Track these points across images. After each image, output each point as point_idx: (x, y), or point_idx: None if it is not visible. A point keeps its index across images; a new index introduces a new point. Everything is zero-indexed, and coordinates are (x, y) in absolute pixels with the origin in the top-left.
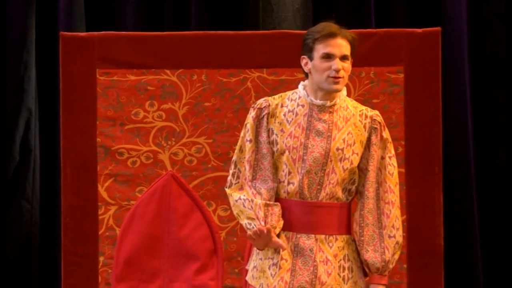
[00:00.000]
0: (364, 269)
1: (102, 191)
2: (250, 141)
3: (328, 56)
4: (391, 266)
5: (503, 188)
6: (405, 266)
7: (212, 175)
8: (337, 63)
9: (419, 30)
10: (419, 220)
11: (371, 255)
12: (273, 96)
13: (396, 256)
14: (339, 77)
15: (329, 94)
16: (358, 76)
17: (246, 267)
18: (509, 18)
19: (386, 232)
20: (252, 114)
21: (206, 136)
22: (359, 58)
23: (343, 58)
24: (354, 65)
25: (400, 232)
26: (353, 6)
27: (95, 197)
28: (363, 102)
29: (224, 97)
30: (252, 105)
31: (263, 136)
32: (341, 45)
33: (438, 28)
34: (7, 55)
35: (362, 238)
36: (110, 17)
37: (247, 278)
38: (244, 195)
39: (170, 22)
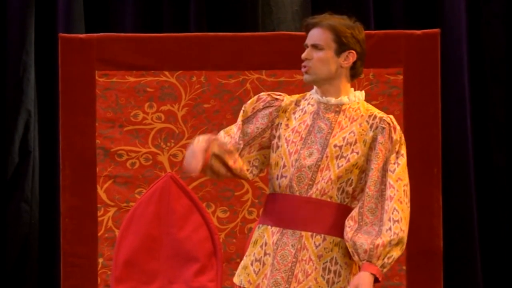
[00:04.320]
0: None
1: (101, 192)
2: (244, 113)
3: (306, 47)
4: (385, 261)
5: (502, 189)
6: (404, 267)
7: None
8: (305, 53)
9: (418, 32)
10: (418, 221)
11: (361, 237)
12: (292, 95)
13: (393, 253)
14: (304, 66)
15: (327, 89)
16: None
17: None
18: (508, 19)
19: (385, 228)
20: (262, 96)
21: None
22: None
23: (314, 47)
24: None
25: (402, 226)
26: (352, 7)
27: (94, 198)
28: None
29: (223, 98)
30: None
31: (253, 122)
32: (313, 35)
33: (437, 30)
34: (6, 56)
35: (357, 232)
36: (109, 18)
37: (234, 280)
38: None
39: (169, 24)
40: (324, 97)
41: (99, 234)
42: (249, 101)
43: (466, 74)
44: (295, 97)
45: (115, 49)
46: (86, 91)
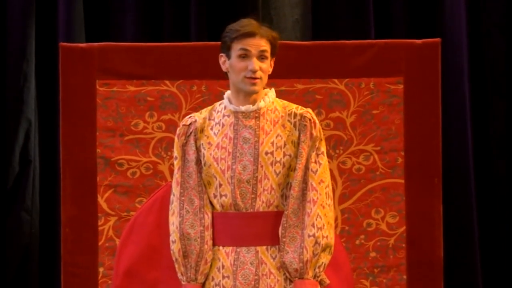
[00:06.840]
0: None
1: (101, 202)
2: (176, 158)
3: (245, 56)
4: (316, 271)
5: (503, 199)
6: (404, 277)
7: None
8: (254, 63)
9: (419, 41)
10: (418, 231)
11: (289, 256)
12: (200, 111)
13: (322, 260)
14: (256, 78)
15: (250, 96)
16: (357, 87)
17: None
18: (508, 28)
19: (306, 232)
20: (177, 131)
21: None
22: (358, 69)
23: (261, 58)
24: (353, 76)
25: (325, 232)
26: (353, 17)
27: (95, 208)
28: (362, 113)
29: None
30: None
31: (190, 154)
32: (259, 45)
33: (438, 39)
34: (7, 65)
35: (284, 240)
36: (109, 28)
37: None
38: (172, 225)
39: (169, 33)
40: (241, 106)
41: (99, 244)
42: (174, 146)
43: (466, 83)
44: (205, 112)
45: (116, 58)
46: (86, 100)
